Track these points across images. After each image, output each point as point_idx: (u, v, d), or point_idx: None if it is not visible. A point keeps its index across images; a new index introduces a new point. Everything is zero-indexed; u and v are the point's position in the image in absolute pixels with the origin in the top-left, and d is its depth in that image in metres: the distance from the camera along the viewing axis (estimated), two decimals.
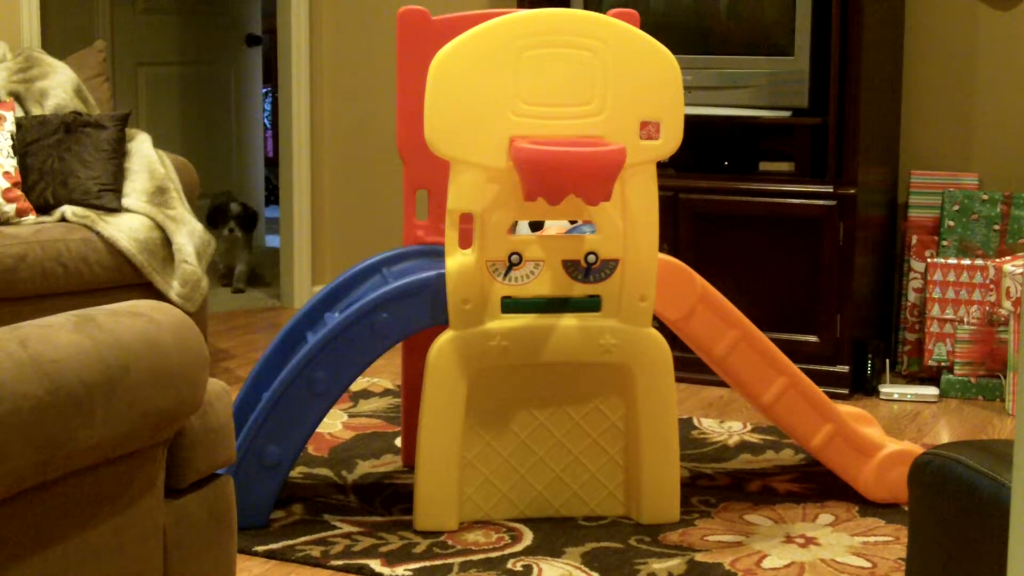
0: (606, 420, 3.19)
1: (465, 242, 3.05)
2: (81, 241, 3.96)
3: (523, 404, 3.16)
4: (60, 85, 4.41)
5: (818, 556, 2.99)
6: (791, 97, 4.36)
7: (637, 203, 3.06)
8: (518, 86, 2.98)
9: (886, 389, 4.34)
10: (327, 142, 5.62)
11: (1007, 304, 4.23)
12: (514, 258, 3.06)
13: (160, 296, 4.03)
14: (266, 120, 9.07)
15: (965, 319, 4.36)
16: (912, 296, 4.58)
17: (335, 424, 3.94)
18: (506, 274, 3.07)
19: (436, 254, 3.27)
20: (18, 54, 4.50)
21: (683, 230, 4.45)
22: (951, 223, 4.53)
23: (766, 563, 2.95)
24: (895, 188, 4.70)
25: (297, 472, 3.49)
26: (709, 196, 4.45)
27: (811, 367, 4.03)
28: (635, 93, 3.03)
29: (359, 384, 4.36)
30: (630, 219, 3.07)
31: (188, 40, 6.53)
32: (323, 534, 3.08)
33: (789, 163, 4.49)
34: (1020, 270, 4.22)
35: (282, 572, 2.92)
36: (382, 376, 4.46)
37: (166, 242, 4.12)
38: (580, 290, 3.11)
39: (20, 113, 4.29)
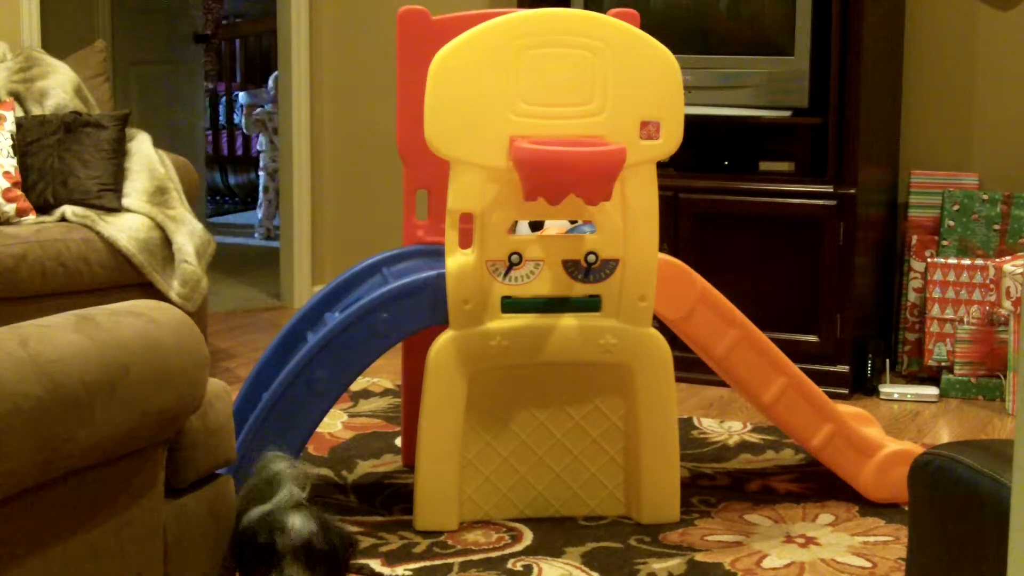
0: (606, 420, 3.19)
1: (465, 242, 3.05)
2: (81, 241, 3.96)
3: (523, 404, 3.16)
4: (60, 85, 4.40)
5: (818, 556, 2.99)
6: (791, 97, 4.36)
7: (637, 203, 3.06)
8: (518, 86, 2.98)
9: (886, 389, 4.34)
10: (327, 142, 5.62)
11: (1007, 304, 4.23)
12: (514, 258, 3.05)
13: (160, 296, 4.03)
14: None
15: (965, 319, 4.36)
16: (912, 296, 4.58)
17: (335, 424, 3.94)
18: (506, 274, 3.07)
19: (436, 254, 3.27)
20: (18, 54, 4.50)
21: (683, 230, 4.44)
22: (951, 223, 4.53)
23: (766, 563, 2.94)
24: (895, 188, 4.70)
25: None
26: (709, 196, 4.44)
27: (811, 367, 4.03)
28: (635, 93, 3.02)
29: (359, 384, 4.36)
30: (630, 219, 3.07)
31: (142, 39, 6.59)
32: None
33: (789, 163, 4.49)
34: (1020, 270, 4.22)
35: None
36: (382, 376, 4.45)
37: (166, 242, 4.12)
38: (580, 290, 3.11)
39: (20, 113, 4.29)
